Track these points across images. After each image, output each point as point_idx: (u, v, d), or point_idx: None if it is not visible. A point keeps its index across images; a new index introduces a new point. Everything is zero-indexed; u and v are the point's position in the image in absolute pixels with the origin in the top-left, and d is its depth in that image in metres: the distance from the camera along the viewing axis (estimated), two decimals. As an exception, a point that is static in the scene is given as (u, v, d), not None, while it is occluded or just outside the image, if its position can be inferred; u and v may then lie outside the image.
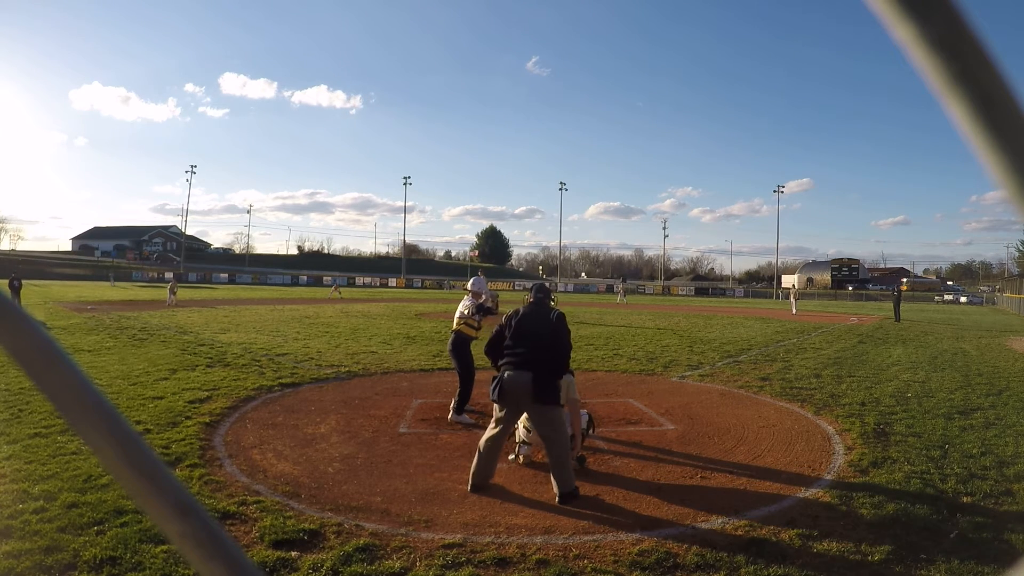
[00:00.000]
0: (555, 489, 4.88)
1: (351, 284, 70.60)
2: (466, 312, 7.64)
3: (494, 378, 5.26)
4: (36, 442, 5.82)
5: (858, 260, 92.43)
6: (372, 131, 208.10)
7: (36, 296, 30.40)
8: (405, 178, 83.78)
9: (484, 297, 7.77)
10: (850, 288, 78.88)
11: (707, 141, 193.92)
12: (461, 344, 7.53)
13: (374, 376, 10.11)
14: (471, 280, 7.98)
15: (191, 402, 7.67)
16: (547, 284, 5.83)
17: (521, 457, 5.70)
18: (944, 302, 62.47)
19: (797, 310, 33.55)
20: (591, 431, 6.19)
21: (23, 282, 25.88)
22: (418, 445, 6.28)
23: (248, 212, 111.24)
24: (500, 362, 5.28)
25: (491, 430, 5.17)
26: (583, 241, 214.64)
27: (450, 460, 5.80)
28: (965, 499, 4.99)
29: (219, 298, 35.53)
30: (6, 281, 25.50)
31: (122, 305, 26.47)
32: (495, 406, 5.28)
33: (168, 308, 24.52)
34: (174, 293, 26.61)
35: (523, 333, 5.25)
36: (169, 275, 50.34)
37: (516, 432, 5.80)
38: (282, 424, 6.93)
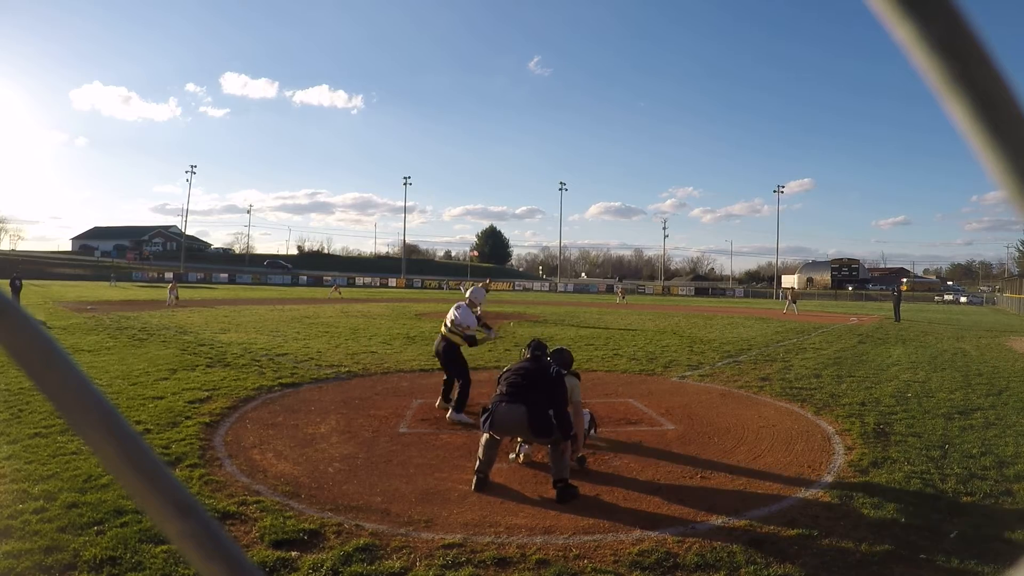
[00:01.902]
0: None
1: (351, 284, 70.46)
2: (454, 322, 7.64)
3: (484, 410, 5.22)
4: (36, 442, 5.82)
5: (858, 260, 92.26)
6: (373, 131, 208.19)
7: (36, 296, 30.39)
8: (405, 178, 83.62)
9: (477, 310, 7.78)
10: (850, 288, 78.74)
11: (707, 141, 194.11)
12: (451, 352, 7.55)
13: (374, 376, 10.11)
14: (471, 289, 8.00)
15: (191, 402, 7.68)
16: (543, 341, 5.68)
17: (521, 456, 5.70)
18: (944, 302, 62.38)
19: (798, 311, 32.85)
20: (593, 431, 6.20)
21: (23, 282, 25.86)
22: (418, 445, 6.28)
23: (248, 212, 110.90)
24: (493, 396, 5.25)
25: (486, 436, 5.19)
26: (583, 241, 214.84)
27: (450, 460, 5.80)
28: (965, 499, 4.99)
29: (219, 298, 35.52)
30: (7, 281, 25.50)
31: (122, 305, 26.47)
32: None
33: (168, 308, 24.52)
34: (174, 294, 26.58)
35: (519, 372, 5.23)
36: (169, 275, 50.31)
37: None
38: (282, 424, 6.94)
